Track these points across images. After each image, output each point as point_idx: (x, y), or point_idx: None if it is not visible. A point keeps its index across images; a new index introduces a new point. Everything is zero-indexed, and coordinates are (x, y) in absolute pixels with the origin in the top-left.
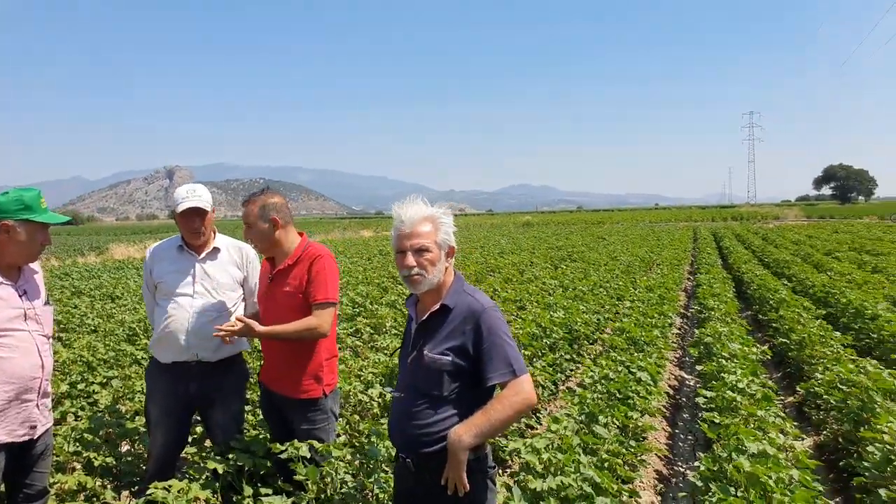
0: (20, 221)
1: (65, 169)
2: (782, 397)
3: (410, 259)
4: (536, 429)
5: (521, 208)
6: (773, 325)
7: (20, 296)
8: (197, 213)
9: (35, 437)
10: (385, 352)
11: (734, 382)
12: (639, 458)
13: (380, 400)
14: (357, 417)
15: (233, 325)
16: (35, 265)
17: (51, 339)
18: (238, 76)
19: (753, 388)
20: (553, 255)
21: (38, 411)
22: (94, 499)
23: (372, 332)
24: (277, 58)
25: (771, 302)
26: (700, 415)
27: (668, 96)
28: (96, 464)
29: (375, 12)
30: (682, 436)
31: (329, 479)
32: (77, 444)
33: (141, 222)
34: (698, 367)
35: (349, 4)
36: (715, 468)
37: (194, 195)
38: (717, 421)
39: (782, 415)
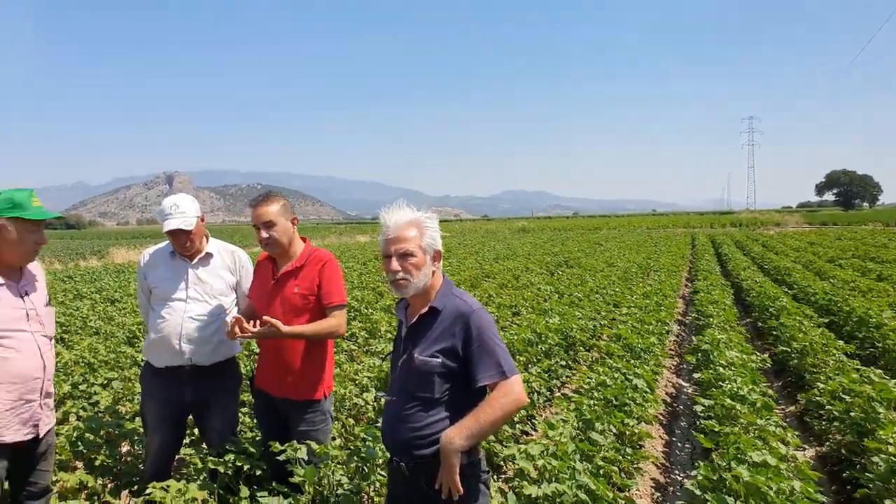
0: (10, 219)
1: (67, 174)
2: (783, 407)
3: (395, 264)
4: (531, 435)
5: (516, 213)
6: (774, 333)
7: (22, 296)
8: (181, 232)
9: (39, 437)
10: (380, 356)
11: (733, 390)
12: (635, 465)
13: (374, 404)
14: (352, 421)
15: (258, 328)
16: (37, 268)
17: (52, 340)
18: (235, 81)
19: (753, 397)
20: (549, 261)
21: (41, 411)
22: (95, 497)
23: (367, 336)
24: (273, 63)
25: (771, 310)
26: (698, 423)
27: (664, 100)
28: (97, 463)
29: (367, 14)
30: (679, 444)
31: (326, 481)
32: (78, 443)
33: (141, 227)
34: (696, 375)
35: (343, 7)
36: (714, 477)
37: (178, 212)
38: (715, 429)
39: (783, 424)
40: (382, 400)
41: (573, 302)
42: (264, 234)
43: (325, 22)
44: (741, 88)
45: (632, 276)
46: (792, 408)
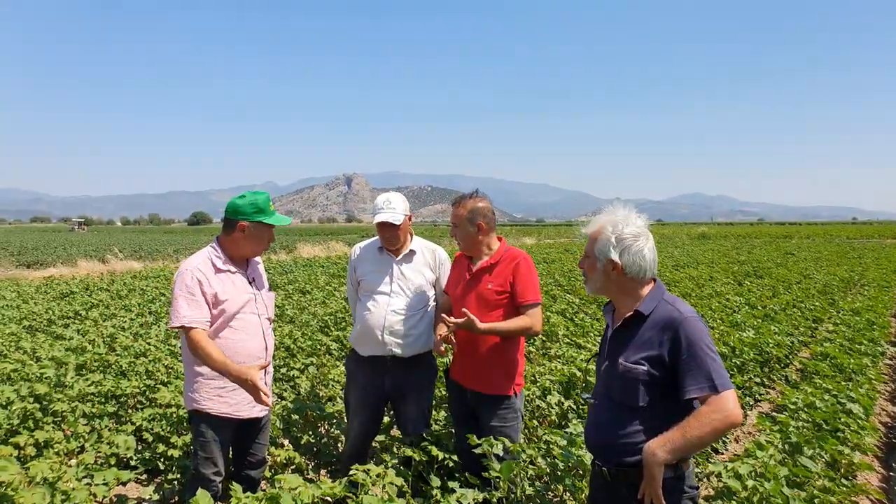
0: (254, 223)
1: (259, 174)
2: None
3: (581, 260)
4: (722, 453)
5: (693, 219)
6: None
7: (250, 282)
8: (389, 226)
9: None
10: (560, 360)
11: None
12: (850, 498)
13: (557, 408)
14: (535, 423)
15: (458, 320)
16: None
17: (271, 323)
18: (406, 86)
19: None
20: (735, 270)
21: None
22: (300, 473)
23: (544, 339)
24: (443, 73)
25: None
26: None
27: (872, 95)
28: (302, 442)
29: (534, 18)
30: None
31: (518, 479)
32: (285, 422)
33: (322, 225)
34: None
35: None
36: None
37: (388, 207)
38: None
39: None
40: (562, 402)
41: (767, 315)
42: (451, 232)
43: (485, 28)
44: None
45: (833, 290)
46: None
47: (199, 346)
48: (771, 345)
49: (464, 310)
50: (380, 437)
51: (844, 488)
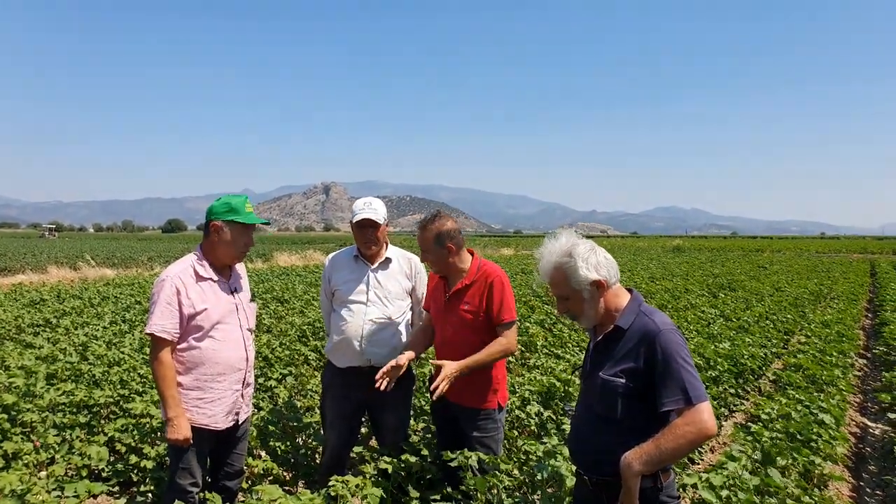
0: (227, 222)
1: (236, 183)
2: None
3: (559, 306)
4: (698, 463)
5: (668, 232)
6: None
7: (232, 292)
8: (370, 225)
9: (238, 423)
10: (539, 370)
11: None
12: None
13: (536, 418)
14: (515, 433)
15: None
16: (241, 267)
17: (252, 333)
18: (386, 97)
19: None
20: (710, 282)
21: (241, 400)
22: (278, 484)
23: (523, 349)
24: (424, 81)
25: None
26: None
27: (841, 113)
28: (279, 452)
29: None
30: (868, 490)
31: (495, 491)
32: (262, 433)
33: (299, 233)
34: (890, 416)
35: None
36: None
37: (370, 208)
38: None
39: None
40: (541, 412)
41: (741, 327)
42: (422, 257)
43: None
44: None
45: (804, 303)
46: None
47: (160, 362)
48: (745, 356)
49: (432, 361)
50: (358, 448)
51: (816, 499)
